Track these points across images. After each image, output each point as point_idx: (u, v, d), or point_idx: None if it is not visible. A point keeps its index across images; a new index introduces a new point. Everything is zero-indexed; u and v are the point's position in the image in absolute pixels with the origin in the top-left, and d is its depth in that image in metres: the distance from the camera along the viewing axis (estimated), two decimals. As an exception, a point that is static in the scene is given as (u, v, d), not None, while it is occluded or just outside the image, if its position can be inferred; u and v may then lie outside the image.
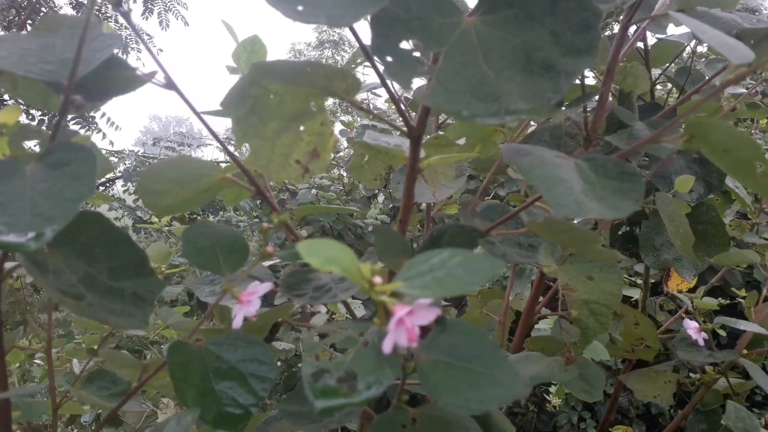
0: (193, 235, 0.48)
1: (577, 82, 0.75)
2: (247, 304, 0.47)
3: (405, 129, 0.52)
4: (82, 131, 4.29)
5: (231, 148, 0.53)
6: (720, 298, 1.77)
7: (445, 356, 0.41)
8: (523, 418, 2.46)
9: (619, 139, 0.68)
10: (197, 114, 0.50)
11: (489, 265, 0.34)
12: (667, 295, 1.64)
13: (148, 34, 4.75)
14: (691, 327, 0.83)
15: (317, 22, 0.36)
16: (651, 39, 1.07)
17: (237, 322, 0.47)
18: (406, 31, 0.42)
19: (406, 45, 0.42)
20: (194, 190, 0.53)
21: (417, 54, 0.42)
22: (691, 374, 0.90)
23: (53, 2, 4.38)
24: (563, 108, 0.73)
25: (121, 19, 4.72)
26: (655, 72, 1.16)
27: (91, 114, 4.01)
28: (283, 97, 0.50)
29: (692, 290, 1.48)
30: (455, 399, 0.38)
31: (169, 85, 0.47)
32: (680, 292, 1.64)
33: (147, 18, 4.69)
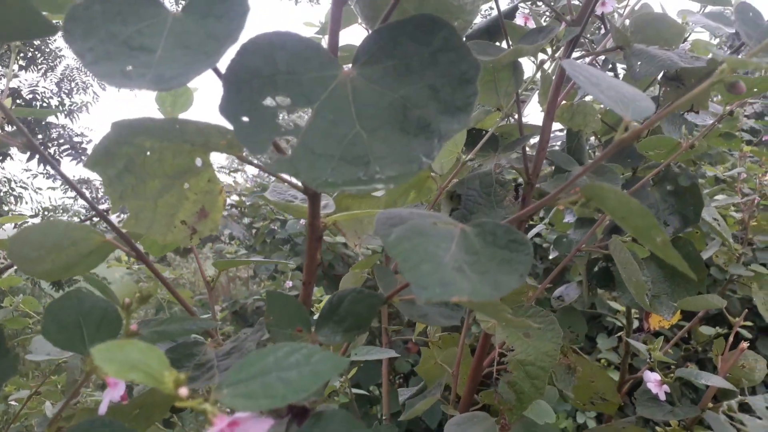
0: (56, 309, 0.44)
1: (513, 121, 0.71)
2: (113, 386, 0.43)
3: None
4: (73, 162, 4.29)
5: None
6: (718, 327, 1.70)
7: (313, 454, 0.36)
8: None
9: (555, 185, 0.64)
10: (58, 171, 0.46)
11: (330, 365, 0.30)
12: (649, 332, 1.58)
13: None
14: (652, 380, 0.77)
15: (144, 87, 0.32)
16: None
17: (102, 408, 0.43)
18: (270, 87, 0.38)
19: (269, 102, 0.38)
20: (73, 255, 0.49)
21: (283, 113, 0.38)
22: (657, 428, 0.84)
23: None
24: (497, 152, 0.69)
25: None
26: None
27: (83, 146, 4.01)
28: (163, 153, 0.46)
29: (687, 319, 1.42)
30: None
31: (29, 146, 0.44)
32: (662, 327, 1.58)
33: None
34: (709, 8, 1.02)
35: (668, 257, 0.37)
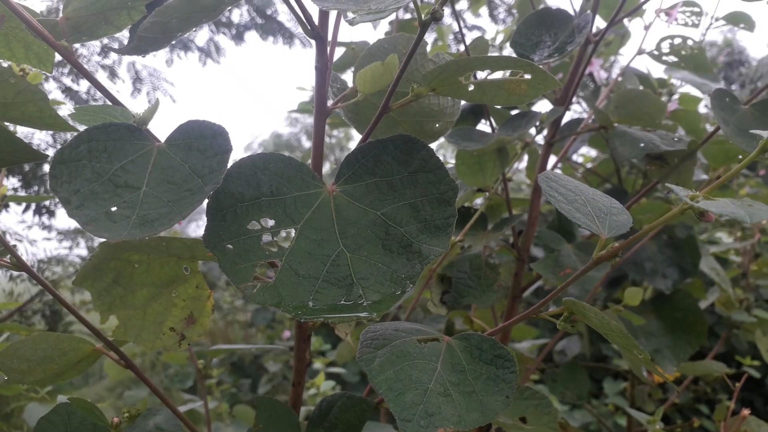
0: (44, 427, 0.44)
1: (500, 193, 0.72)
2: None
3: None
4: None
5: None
6: (727, 368, 1.67)
7: None
8: None
9: (545, 267, 0.64)
10: (34, 275, 0.46)
11: None
12: (654, 384, 1.56)
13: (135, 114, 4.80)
14: (653, 452, 0.76)
15: (127, 235, 0.32)
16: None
17: None
18: (254, 210, 0.38)
19: (254, 225, 0.39)
20: (63, 364, 0.49)
21: (267, 235, 0.39)
22: (662, 500, 0.82)
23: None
24: (486, 231, 0.70)
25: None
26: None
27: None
28: (150, 264, 0.47)
29: (696, 359, 1.40)
30: None
31: (21, 266, 0.44)
32: (667, 381, 1.56)
33: (135, 97, 4.78)
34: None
35: (652, 369, 0.37)
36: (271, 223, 0.39)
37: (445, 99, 0.48)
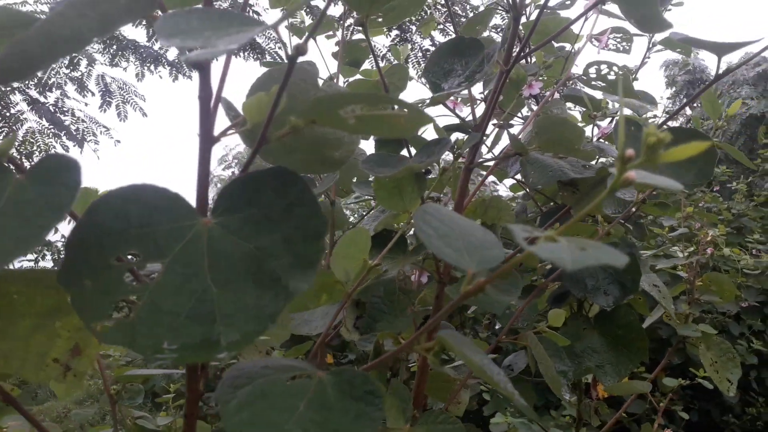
0: None
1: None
2: None
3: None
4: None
5: None
6: (681, 378, 1.70)
7: None
8: None
9: (457, 290, 0.64)
10: None
11: None
12: (599, 399, 1.57)
13: (105, 126, 4.75)
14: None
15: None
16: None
17: None
18: (120, 244, 0.38)
19: (120, 260, 0.38)
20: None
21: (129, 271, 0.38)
22: None
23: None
24: (406, 255, 0.70)
25: (78, 113, 4.74)
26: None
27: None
28: (30, 295, 0.46)
29: (650, 370, 1.40)
30: None
31: None
32: (613, 395, 1.58)
33: (105, 110, 4.71)
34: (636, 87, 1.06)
35: (516, 405, 0.37)
36: (138, 257, 0.38)
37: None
